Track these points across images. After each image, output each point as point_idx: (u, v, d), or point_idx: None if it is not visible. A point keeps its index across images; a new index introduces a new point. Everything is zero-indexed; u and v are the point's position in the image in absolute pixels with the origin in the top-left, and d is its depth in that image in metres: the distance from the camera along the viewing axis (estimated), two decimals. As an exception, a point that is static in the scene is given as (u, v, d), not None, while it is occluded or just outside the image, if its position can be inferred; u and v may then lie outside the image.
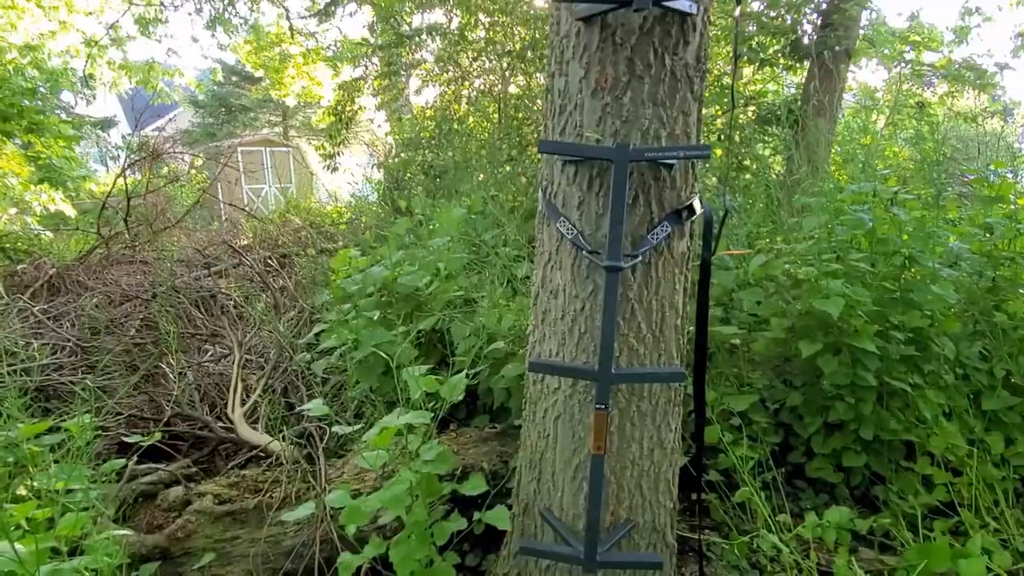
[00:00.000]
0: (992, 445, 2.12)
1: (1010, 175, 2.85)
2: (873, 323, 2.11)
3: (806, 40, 4.12)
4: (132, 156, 5.85)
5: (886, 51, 5.06)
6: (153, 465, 2.26)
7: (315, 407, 1.53)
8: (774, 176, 3.65)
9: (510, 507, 1.69)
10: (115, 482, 2.07)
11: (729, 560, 1.95)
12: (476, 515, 1.52)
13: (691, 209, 1.35)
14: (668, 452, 1.53)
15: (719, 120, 4.00)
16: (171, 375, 2.61)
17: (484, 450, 2.21)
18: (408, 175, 5.12)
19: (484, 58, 5.73)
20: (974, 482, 2.01)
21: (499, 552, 1.86)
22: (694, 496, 2.19)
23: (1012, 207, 2.49)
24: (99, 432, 2.29)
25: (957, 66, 5.91)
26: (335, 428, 1.60)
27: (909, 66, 6.06)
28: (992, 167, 2.88)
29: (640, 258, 1.33)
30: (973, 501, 2.00)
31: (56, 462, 1.78)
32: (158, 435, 2.06)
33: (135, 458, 2.21)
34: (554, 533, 1.52)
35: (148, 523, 2.03)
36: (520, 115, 4.87)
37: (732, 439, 2.11)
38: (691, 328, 1.63)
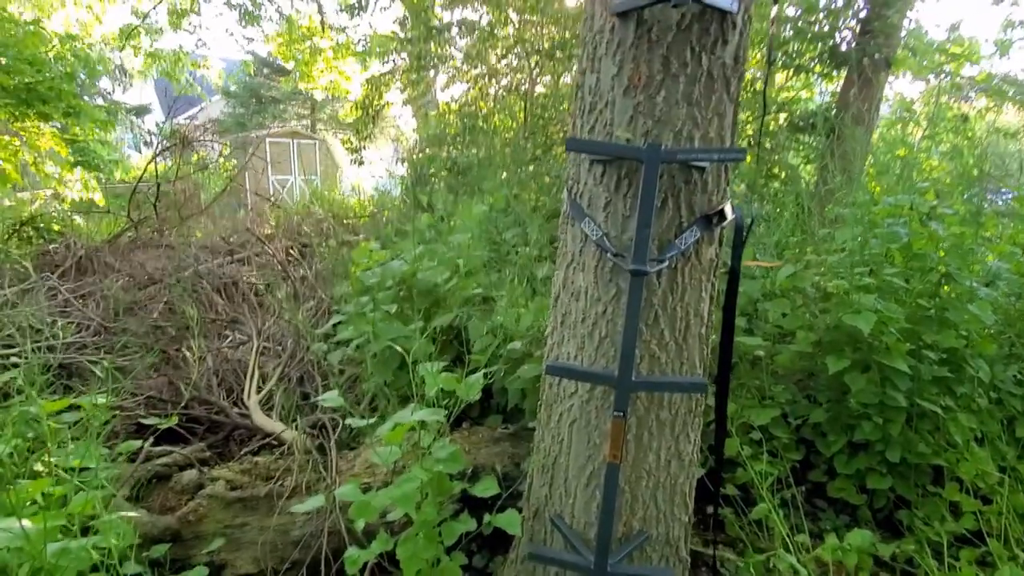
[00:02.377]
0: (1025, 474, 2.02)
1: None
2: (905, 341, 2.03)
3: (844, 47, 4.00)
4: (163, 143, 5.97)
5: (924, 62, 4.90)
6: (169, 447, 2.28)
7: (329, 398, 1.52)
8: (804, 186, 3.56)
9: (520, 510, 1.66)
10: (131, 462, 2.09)
11: (743, 577, 1.90)
12: (486, 517, 1.49)
13: (722, 215, 1.31)
14: (686, 464, 1.49)
15: (750, 126, 3.91)
16: (191, 359, 2.64)
17: (496, 451, 2.19)
18: (432, 171, 5.12)
19: (512, 56, 5.71)
20: (1004, 511, 1.92)
21: (507, 555, 1.83)
22: (709, 509, 2.14)
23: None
24: (118, 412, 2.32)
25: (997, 80, 5.72)
26: (348, 421, 1.58)
27: (948, 78, 5.88)
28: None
29: (666, 263, 1.28)
30: (1003, 531, 1.91)
31: (76, 439, 1.81)
32: (175, 419, 2.08)
33: (152, 439, 2.24)
34: (564, 540, 1.49)
35: (161, 504, 2.06)
36: (547, 114, 4.83)
37: (751, 453, 2.05)
38: (715, 338, 1.58)
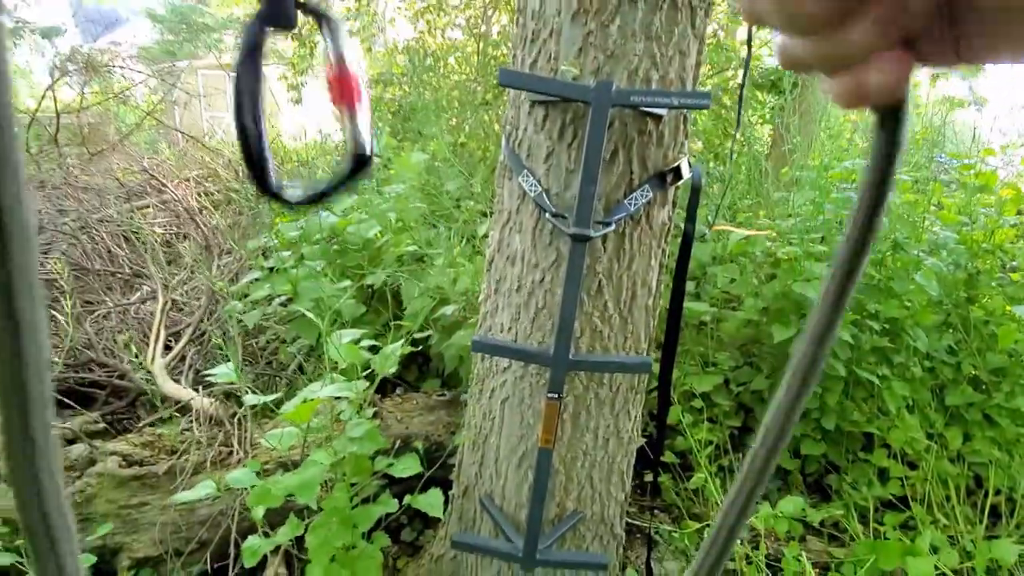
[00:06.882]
0: (950, 440, 2.08)
1: (992, 166, 2.75)
2: (850, 311, 2.00)
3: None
4: (67, 67, 5.24)
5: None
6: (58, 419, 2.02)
7: (221, 373, 1.32)
8: (760, 148, 3.47)
9: (451, 484, 1.55)
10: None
11: (677, 546, 1.88)
12: (407, 499, 1.36)
13: (678, 172, 1.15)
14: (624, 442, 1.39)
15: (709, 81, 3.76)
16: (87, 317, 2.33)
17: (430, 419, 2.05)
18: (377, 114, 4.73)
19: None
20: (929, 477, 1.96)
21: (437, 529, 1.73)
22: (648, 476, 2.11)
23: (994, 196, 2.39)
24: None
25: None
26: (245, 398, 1.39)
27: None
28: (981, 155, 2.75)
29: (613, 226, 1.13)
30: (926, 496, 1.96)
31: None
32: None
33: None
34: (493, 523, 1.38)
35: (46, 482, 1.82)
36: (500, 55, 4.51)
37: (692, 420, 2.00)
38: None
